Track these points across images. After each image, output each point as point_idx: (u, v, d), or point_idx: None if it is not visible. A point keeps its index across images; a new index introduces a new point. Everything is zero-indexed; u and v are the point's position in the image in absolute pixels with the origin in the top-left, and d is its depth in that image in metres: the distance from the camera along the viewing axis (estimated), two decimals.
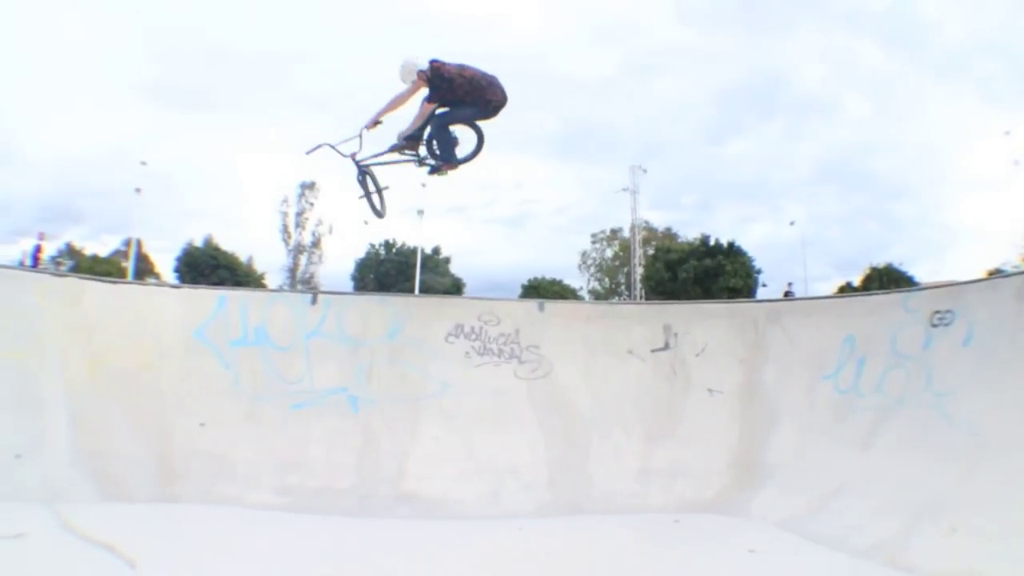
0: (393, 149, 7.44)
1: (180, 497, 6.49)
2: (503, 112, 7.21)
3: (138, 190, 39.67)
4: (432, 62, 6.96)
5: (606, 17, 74.34)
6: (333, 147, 7.30)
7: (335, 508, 6.51)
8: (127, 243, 44.50)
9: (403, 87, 7.06)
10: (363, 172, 7.44)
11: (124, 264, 42.18)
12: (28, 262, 19.69)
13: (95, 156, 66.58)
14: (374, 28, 73.11)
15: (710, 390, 7.94)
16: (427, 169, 7.43)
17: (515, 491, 6.94)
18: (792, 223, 43.75)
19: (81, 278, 7.99)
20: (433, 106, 7.04)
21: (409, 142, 7.38)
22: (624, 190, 46.33)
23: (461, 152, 7.27)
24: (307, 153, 7.40)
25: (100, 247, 50.97)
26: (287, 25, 74.78)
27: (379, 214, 7.54)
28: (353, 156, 7.35)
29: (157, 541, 5.61)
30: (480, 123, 7.17)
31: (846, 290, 34.52)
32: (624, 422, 7.46)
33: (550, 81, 68.43)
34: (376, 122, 7.20)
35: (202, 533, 5.90)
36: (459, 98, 6.99)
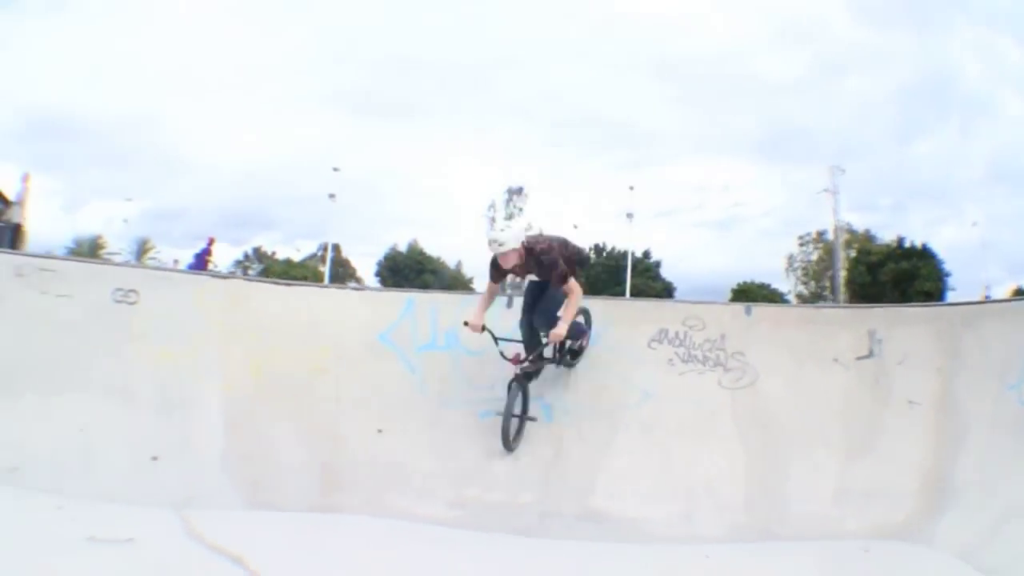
0: (558, 357, 6.35)
1: (341, 507, 5.75)
2: None
3: (332, 195, 38.99)
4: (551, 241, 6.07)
5: (787, 16, 73.37)
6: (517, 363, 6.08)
7: (512, 526, 5.74)
8: (323, 248, 43.77)
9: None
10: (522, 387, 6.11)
11: (321, 268, 41.33)
12: (196, 264, 18.91)
13: (288, 163, 67.35)
14: (570, 32, 69.96)
15: (910, 402, 7.04)
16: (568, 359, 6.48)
17: (708, 512, 6.14)
18: (974, 224, 42.60)
19: (248, 280, 7.85)
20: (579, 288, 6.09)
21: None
22: (824, 191, 44.38)
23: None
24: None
25: (294, 252, 52.08)
26: (483, 32, 75.95)
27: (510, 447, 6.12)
28: (518, 358, 6.05)
29: (297, 554, 4.90)
30: None
31: (1021, 294, 33.25)
32: (826, 438, 6.61)
33: (747, 81, 68.44)
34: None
35: (355, 547, 5.17)
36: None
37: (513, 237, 5.76)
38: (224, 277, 7.74)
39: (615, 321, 6.79)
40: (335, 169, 41.69)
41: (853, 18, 76.85)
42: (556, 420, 6.33)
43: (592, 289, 36.29)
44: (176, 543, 4.85)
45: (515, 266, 5.90)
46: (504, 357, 5.96)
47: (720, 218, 72.86)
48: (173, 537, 4.94)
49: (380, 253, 47.68)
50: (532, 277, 6.15)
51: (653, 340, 6.60)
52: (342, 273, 45.37)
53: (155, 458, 5.87)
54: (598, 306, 6.91)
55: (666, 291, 41.86)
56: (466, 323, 5.98)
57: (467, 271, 49.37)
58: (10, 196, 18.09)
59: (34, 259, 6.86)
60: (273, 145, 72.17)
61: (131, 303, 6.53)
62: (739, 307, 6.98)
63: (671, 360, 6.54)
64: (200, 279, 7.74)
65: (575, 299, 5.94)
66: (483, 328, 5.97)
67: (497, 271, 6.04)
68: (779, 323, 6.79)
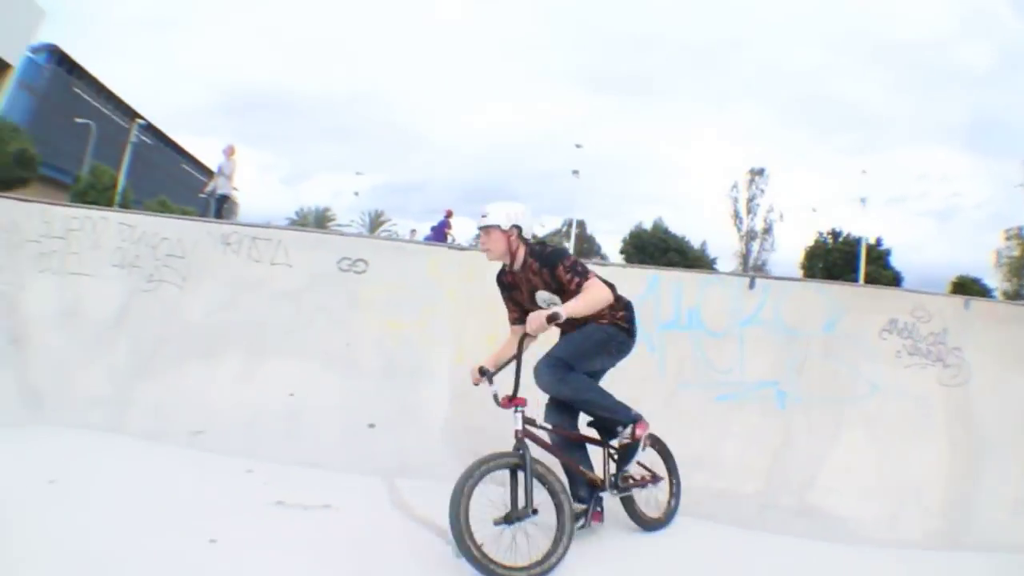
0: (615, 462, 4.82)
1: None
2: None
3: (575, 172, 37.74)
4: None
5: (976, 6, 74.31)
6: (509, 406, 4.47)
7: (730, 515, 5.56)
8: (568, 224, 45.50)
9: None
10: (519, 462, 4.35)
11: (565, 244, 41.03)
12: (434, 237, 19.49)
13: (532, 139, 63.98)
14: (800, 14, 67.34)
15: None
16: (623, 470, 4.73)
17: (912, 515, 6.04)
18: None
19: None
20: (603, 289, 4.37)
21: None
22: (1020, 186, 43.64)
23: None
24: None
25: (539, 227, 52.18)
26: (716, 12, 76.46)
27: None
28: (509, 399, 4.43)
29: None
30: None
31: None
32: (1016, 444, 6.43)
33: (956, 69, 69.38)
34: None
35: None
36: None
37: (504, 214, 4.41)
38: (462, 249, 7.48)
39: (849, 308, 6.54)
40: (578, 146, 42.27)
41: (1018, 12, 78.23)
42: (788, 407, 6.13)
43: (827, 275, 36.13)
44: (379, 512, 4.69)
45: (514, 275, 4.56)
46: (496, 401, 4.37)
47: (939, 208, 73.64)
48: (377, 505, 4.80)
49: (625, 230, 47.07)
50: (541, 296, 4.49)
51: (884, 330, 6.39)
52: (587, 249, 45.75)
53: (372, 425, 5.69)
54: (832, 291, 6.67)
55: (895, 281, 40.41)
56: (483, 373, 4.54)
57: (711, 251, 48.68)
58: (213, 168, 17.05)
59: (245, 228, 6.88)
60: (517, 121, 72.83)
61: (359, 272, 6.59)
62: (959, 299, 6.77)
63: (899, 352, 6.34)
64: (435, 250, 7.62)
65: (593, 293, 4.19)
66: (481, 371, 4.52)
67: (506, 295, 4.71)
68: (991, 320, 6.60)
